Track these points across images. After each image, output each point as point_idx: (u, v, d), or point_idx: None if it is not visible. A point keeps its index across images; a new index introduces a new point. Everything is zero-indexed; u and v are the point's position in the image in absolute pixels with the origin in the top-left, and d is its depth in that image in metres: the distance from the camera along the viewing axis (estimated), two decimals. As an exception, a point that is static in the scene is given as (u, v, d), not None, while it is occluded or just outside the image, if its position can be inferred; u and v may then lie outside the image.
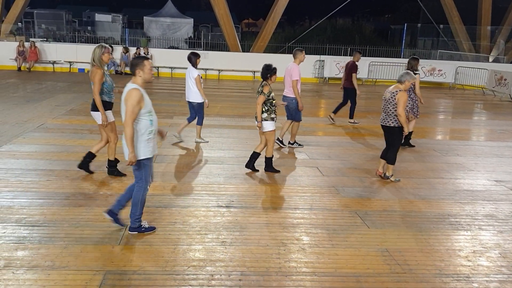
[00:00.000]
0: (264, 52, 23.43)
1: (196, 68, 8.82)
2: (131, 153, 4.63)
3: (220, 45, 25.45)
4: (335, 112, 11.89)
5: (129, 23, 40.86)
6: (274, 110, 7.18)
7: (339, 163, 8.15)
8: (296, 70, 8.78)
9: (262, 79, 7.21)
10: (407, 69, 9.49)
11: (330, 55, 23.83)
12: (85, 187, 6.32)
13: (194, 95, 8.77)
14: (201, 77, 8.91)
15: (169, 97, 15.55)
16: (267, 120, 7.13)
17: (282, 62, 22.85)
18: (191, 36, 34.02)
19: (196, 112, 8.90)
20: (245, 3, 53.89)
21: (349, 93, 11.66)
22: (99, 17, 37.69)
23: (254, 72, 21.97)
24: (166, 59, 22.00)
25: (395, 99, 6.86)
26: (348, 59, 22.58)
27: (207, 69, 21.52)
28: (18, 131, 9.24)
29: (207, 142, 9.15)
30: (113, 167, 6.88)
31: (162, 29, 34.63)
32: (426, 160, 8.70)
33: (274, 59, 23.17)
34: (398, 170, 7.84)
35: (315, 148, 9.08)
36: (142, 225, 4.98)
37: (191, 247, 4.70)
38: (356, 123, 11.83)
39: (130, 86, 4.72)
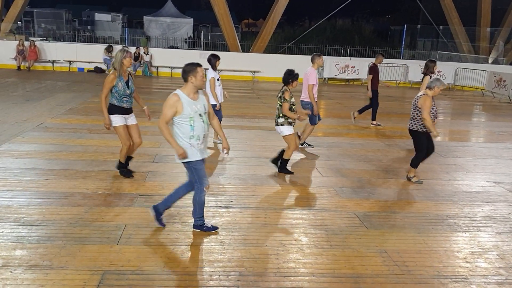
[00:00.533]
0: (264, 52, 23.44)
1: (215, 70, 8.81)
2: (175, 148, 4.74)
3: (219, 45, 25.45)
4: (373, 118, 11.81)
5: (129, 23, 40.84)
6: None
7: (338, 163, 8.15)
8: (313, 74, 8.85)
9: (283, 84, 7.19)
10: (424, 71, 9.48)
11: (329, 55, 23.83)
12: (84, 186, 6.32)
13: (210, 97, 8.79)
14: (218, 79, 8.86)
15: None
16: (283, 125, 7.12)
17: (281, 62, 22.94)
18: (191, 36, 34.01)
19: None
20: (245, 3, 53.93)
21: (375, 94, 11.60)
22: (99, 16, 37.68)
23: (254, 72, 21.98)
24: (166, 58, 22.01)
25: (417, 103, 6.89)
26: (347, 59, 22.66)
27: (207, 69, 21.49)
28: (17, 130, 9.23)
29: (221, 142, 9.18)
30: (124, 168, 6.88)
31: (162, 28, 34.62)
32: (425, 161, 8.68)
33: (273, 59, 23.33)
34: (398, 171, 7.85)
35: (314, 149, 9.09)
36: (204, 223, 5.08)
37: (189, 247, 4.70)
38: (379, 125, 11.76)
39: (175, 91, 4.81)
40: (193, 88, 4.77)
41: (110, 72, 6.45)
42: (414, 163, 7.27)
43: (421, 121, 6.90)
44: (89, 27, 37.52)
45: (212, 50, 24.04)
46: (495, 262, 4.76)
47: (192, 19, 36.63)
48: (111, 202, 5.81)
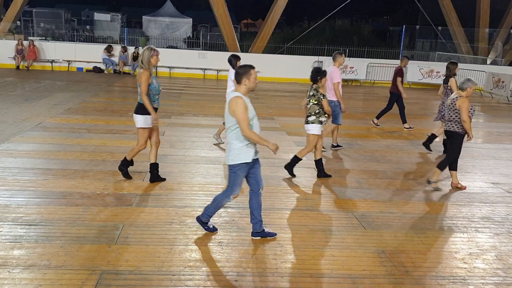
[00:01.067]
0: (263, 52, 23.43)
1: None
2: (269, 144, 4.74)
3: (218, 45, 25.44)
4: (404, 121, 11.79)
5: (128, 23, 40.78)
6: (325, 113, 7.11)
7: (336, 164, 8.15)
8: (337, 72, 8.88)
9: (312, 82, 7.16)
10: (446, 73, 9.41)
11: (328, 56, 23.82)
12: (82, 186, 6.31)
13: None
14: None
15: (167, 96, 15.52)
16: (314, 123, 7.08)
17: (280, 62, 22.92)
18: (189, 36, 33.98)
19: None
20: (244, 3, 53.90)
21: (394, 98, 11.63)
22: (98, 16, 37.63)
23: (253, 72, 21.93)
24: (165, 58, 21.92)
25: (455, 105, 6.88)
26: (346, 60, 22.64)
27: (206, 69, 21.53)
28: (15, 130, 9.23)
29: (223, 143, 9.17)
30: (124, 167, 6.74)
31: (161, 28, 34.58)
32: (423, 161, 8.72)
33: (272, 59, 23.32)
34: (396, 171, 7.86)
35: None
36: (208, 222, 5.09)
37: (187, 247, 4.70)
38: (411, 128, 11.70)
39: (232, 94, 4.76)
40: (247, 90, 4.77)
41: (141, 71, 6.23)
42: (443, 166, 7.13)
43: (460, 123, 6.86)
44: (88, 26, 37.46)
45: (211, 50, 24.06)
46: (493, 263, 4.77)
47: (191, 19, 36.60)
48: (110, 202, 5.81)
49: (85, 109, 12.13)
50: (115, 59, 21.55)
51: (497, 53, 26.66)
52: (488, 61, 25.50)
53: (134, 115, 6.42)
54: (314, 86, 7.12)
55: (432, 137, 9.52)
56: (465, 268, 4.63)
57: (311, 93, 7.13)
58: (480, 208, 6.38)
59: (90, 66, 21.45)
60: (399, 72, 11.58)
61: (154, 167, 6.66)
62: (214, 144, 9.04)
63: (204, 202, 5.93)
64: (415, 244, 5.11)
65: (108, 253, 4.47)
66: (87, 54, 21.57)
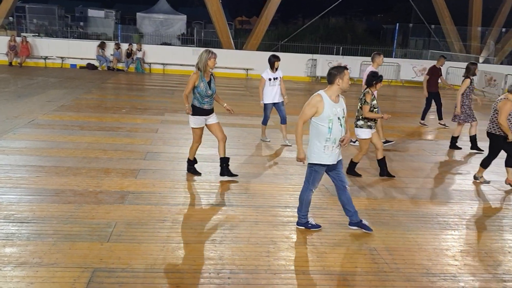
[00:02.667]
0: (257, 50, 23.41)
1: (272, 70, 9.06)
2: (298, 150, 4.99)
3: (213, 42, 25.39)
4: (423, 118, 12.22)
5: (122, 19, 40.56)
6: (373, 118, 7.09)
7: (330, 162, 8.17)
8: None
9: (366, 86, 7.17)
10: (465, 74, 9.51)
11: (322, 54, 23.87)
12: (75, 184, 6.30)
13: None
14: (270, 79, 9.02)
15: (161, 93, 15.51)
16: (362, 128, 7.08)
17: (274, 60, 22.69)
18: (184, 33, 33.88)
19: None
20: (238, 1, 53.79)
21: (434, 97, 11.98)
22: (91, 12, 37.40)
23: (247, 70, 21.97)
24: (159, 55, 21.94)
25: (496, 106, 6.95)
26: (339, 58, 22.69)
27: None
28: (8, 127, 9.18)
29: (269, 141, 9.43)
30: (191, 166, 7.04)
31: (155, 25, 34.43)
32: (415, 159, 8.76)
33: (267, 57, 23.20)
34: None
35: (305, 146, 9.08)
36: (309, 221, 5.26)
37: (180, 245, 4.71)
38: (446, 126, 11.93)
39: (318, 92, 4.96)
40: (339, 90, 4.86)
41: (193, 72, 6.56)
42: (485, 164, 7.31)
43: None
44: (81, 23, 37.25)
45: (206, 47, 23.99)
46: (483, 260, 4.82)
47: (185, 16, 36.46)
48: (102, 199, 5.80)
49: (78, 106, 12.08)
50: (109, 56, 21.47)
51: (489, 52, 26.81)
52: (481, 60, 25.62)
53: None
54: (366, 90, 7.06)
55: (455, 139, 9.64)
56: (456, 265, 4.68)
57: (360, 96, 7.13)
58: (471, 206, 6.44)
59: (84, 63, 21.34)
60: (430, 71, 12.09)
61: (223, 162, 6.84)
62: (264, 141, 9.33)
63: (198, 200, 5.95)
64: (407, 241, 5.15)
65: (101, 251, 4.47)
66: (81, 50, 21.44)
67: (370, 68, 8.90)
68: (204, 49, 6.54)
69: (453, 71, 22.16)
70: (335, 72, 4.83)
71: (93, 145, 8.30)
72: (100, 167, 7.05)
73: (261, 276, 4.20)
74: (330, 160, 4.98)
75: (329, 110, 4.83)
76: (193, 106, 6.57)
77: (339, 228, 5.36)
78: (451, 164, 8.58)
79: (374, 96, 7.15)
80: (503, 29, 26.80)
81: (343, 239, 5.08)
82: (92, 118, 10.60)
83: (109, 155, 7.72)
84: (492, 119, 7.09)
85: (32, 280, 3.91)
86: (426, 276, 4.41)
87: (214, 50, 6.37)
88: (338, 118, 4.89)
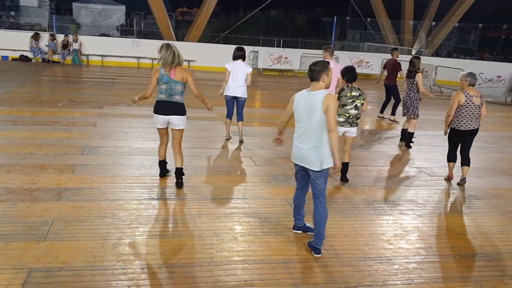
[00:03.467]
0: (199, 41, 23.22)
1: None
2: (338, 160, 4.49)
3: (153, 33, 24.88)
4: (382, 111, 12.40)
5: (57, 9, 38.78)
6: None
7: (272, 152, 8.30)
8: None
9: (352, 81, 6.73)
10: (409, 68, 9.60)
11: (264, 46, 24.03)
12: (8, 181, 6.01)
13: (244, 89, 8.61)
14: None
15: (100, 86, 15.04)
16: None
17: (217, 52, 22.74)
18: (123, 24, 32.95)
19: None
20: (179, -9, 52.91)
21: (392, 90, 12.13)
22: (24, 1, 35.43)
23: (189, 61, 21.72)
24: (97, 46, 21.24)
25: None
26: (280, 50, 22.95)
27: (140, 57, 21.00)
28: None
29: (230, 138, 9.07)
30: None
31: (93, 16, 33.23)
32: (352, 149, 9.06)
33: (209, 48, 23.15)
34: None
35: (249, 138, 9.17)
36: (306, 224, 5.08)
37: (121, 241, 4.63)
38: (396, 121, 12.01)
39: (323, 92, 4.45)
40: (324, 87, 4.53)
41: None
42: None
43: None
44: (12, 13, 35.26)
45: (146, 39, 23.49)
46: (415, 243, 5.09)
47: (124, 6, 35.40)
48: (38, 197, 5.58)
49: (11, 100, 11.48)
50: (44, 47, 20.52)
51: (421, 44, 28.11)
52: (413, 52, 26.77)
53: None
54: (357, 87, 6.67)
55: (409, 135, 9.45)
56: (391, 248, 4.91)
57: (357, 94, 6.65)
58: (405, 192, 6.77)
59: (17, 55, 20.25)
60: (398, 65, 12.29)
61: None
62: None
63: (138, 195, 5.86)
64: (345, 227, 5.34)
65: (37, 250, 4.31)
66: (13, 42, 20.33)
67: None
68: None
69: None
70: (320, 68, 4.46)
71: (27, 140, 7.94)
72: (36, 163, 6.77)
73: (204, 269, 4.22)
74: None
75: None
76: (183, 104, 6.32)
77: (280, 217, 5.47)
78: (385, 152, 8.95)
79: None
80: (433, 23, 28.17)
81: (284, 227, 5.19)
82: (26, 113, 10.11)
83: (44, 150, 7.42)
84: (477, 116, 7.01)
85: (-38, 284, 3.72)
86: (364, 260, 4.61)
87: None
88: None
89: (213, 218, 5.33)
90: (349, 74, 6.68)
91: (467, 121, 6.94)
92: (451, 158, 7.34)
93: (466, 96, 6.88)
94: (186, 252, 4.49)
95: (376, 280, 4.24)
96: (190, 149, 8.20)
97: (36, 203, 5.39)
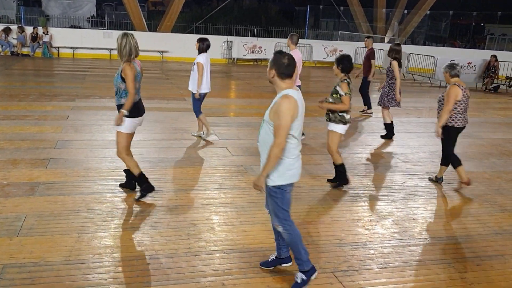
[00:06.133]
0: (172, 32, 22.97)
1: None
2: (263, 176, 3.82)
3: (125, 24, 24.48)
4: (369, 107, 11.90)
5: (25, 1, 37.75)
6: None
7: (248, 142, 8.31)
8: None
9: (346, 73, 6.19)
10: (392, 56, 9.01)
11: (237, 35, 23.93)
12: (-23, 178, 5.86)
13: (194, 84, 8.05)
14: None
15: (71, 79, 14.75)
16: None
17: (190, 42, 22.51)
18: (94, 15, 32.33)
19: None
20: (150, -19, 51.95)
21: (362, 82, 11.75)
22: (-12, -7, 34.37)
23: (162, 52, 21.49)
24: (67, 39, 20.81)
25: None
26: (254, 40, 22.89)
27: (112, 49, 20.67)
28: None
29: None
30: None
31: (62, 7, 32.50)
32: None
33: (182, 39, 22.92)
34: (304, 148, 8.18)
35: (224, 129, 9.16)
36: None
37: (96, 234, 4.58)
38: (369, 113, 11.66)
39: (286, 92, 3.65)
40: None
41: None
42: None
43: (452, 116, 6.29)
44: (-23, 4, 34.15)
45: (117, 30, 23.08)
46: (390, 228, 5.19)
47: (95, -3, 34.78)
48: (9, 192, 5.46)
49: (-23, 94, 11.17)
50: (12, 40, 19.98)
51: (394, 32, 28.42)
52: (386, 40, 27.08)
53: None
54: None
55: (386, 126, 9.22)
56: (366, 234, 5.00)
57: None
58: (380, 178, 6.88)
59: (-17, 48, 19.71)
60: (372, 54, 11.86)
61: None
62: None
63: (113, 188, 5.79)
64: (321, 215, 5.41)
65: (10, 246, 4.23)
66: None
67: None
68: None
69: (361, 51, 23.19)
70: (293, 62, 3.72)
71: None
72: (7, 158, 6.62)
73: (181, 259, 4.21)
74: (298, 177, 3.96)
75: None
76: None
77: (257, 206, 5.49)
78: (360, 139, 9.06)
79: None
80: (405, 11, 28.49)
81: (261, 216, 5.21)
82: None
83: (16, 145, 7.26)
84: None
85: None
86: (340, 246, 4.68)
87: (126, 32, 5.65)
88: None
89: (190, 209, 5.32)
90: (344, 63, 6.04)
91: (464, 116, 6.37)
92: (457, 160, 6.47)
93: (462, 90, 6.26)
94: (163, 244, 4.48)
95: (352, 265, 4.31)
96: (166, 140, 8.15)
97: (8, 198, 5.28)
